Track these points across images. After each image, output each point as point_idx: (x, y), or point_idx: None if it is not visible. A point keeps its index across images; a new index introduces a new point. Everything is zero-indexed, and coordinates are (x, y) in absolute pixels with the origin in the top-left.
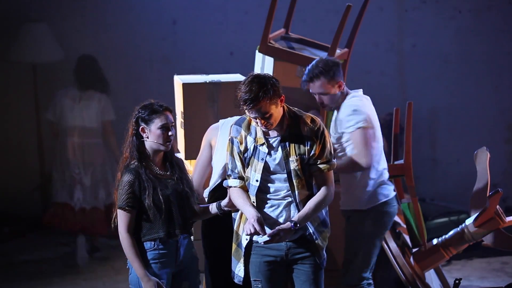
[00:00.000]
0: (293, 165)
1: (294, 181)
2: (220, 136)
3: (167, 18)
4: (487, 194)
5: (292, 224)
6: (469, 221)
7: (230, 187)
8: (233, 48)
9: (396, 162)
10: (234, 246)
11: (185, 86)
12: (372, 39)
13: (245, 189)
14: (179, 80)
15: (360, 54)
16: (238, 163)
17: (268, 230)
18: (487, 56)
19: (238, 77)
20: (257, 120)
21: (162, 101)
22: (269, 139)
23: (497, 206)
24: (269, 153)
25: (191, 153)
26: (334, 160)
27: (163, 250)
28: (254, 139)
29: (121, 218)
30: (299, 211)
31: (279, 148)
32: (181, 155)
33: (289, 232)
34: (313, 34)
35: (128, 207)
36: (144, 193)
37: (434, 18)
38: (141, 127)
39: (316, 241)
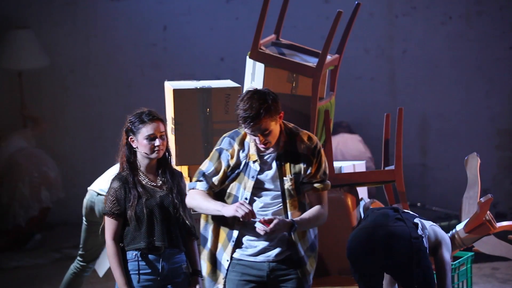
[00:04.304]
0: (287, 184)
1: (287, 201)
2: None
3: (157, 24)
4: (478, 200)
5: (294, 222)
6: (459, 227)
7: (194, 189)
8: (223, 54)
9: (386, 168)
10: (209, 265)
11: (176, 92)
12: (363, 45)
13: (211, 195)
14: (169, 86)
15: (350, 60)
16: (217, 177)
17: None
18: (477, 62)
19: (229, 83)
20: (256, 138)
21: (155, 109)
22: (263, 156)
23: (488, 212)
24: (261, 170)
25: (183, 158)
26: (328, 181)
27: (142, 262)
28: (246, 155)
29: (107, 225)
30: (289, 233)
31: (274, 166)
32: (172, 160)
33: (286, 225)
34: (304, 40)
35: (113, 214)
36: (128, 202)
37: (424, 24)
38: (129, 137)
39: (305, 266)
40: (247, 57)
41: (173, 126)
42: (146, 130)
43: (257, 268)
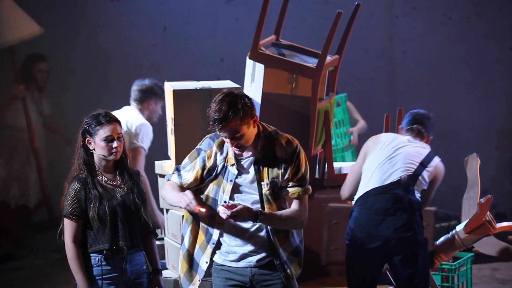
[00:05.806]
0: (264, 189)
1: (265, 205)
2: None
3: (157, 24)
4: (478, 200)
5: (259, 213)
6: (459, 228)
7: (169, 180)
8: (223, 54)
9: None
10: (185, 265)
11: (176, 92)
12: (363, 46)
13: (184, 189)
14: (169, 87)
15: (350, 60)
16: (191, 175)
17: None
18: (477, 63)
19: (228, 83)
20: (228, 140)
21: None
22: (241, 160)
23: (488, 213)
24: (239, 174)
25: (182, 159)
26: (309, 186)
27: (107, 266)
28: (225, 158)
29: (67, 227)
30: (270, 237)
31: (251, 170)
32: (171, 161)
33: (250, 213)
34: (304, 40)
35: (73, 215)
36: (89, 203)
37: (424, 25)
38: (86, 139)
39: (288, 271)
40: (247, 57)
41: (173, 127)
42: (103, 132)
43: (239, 274)
